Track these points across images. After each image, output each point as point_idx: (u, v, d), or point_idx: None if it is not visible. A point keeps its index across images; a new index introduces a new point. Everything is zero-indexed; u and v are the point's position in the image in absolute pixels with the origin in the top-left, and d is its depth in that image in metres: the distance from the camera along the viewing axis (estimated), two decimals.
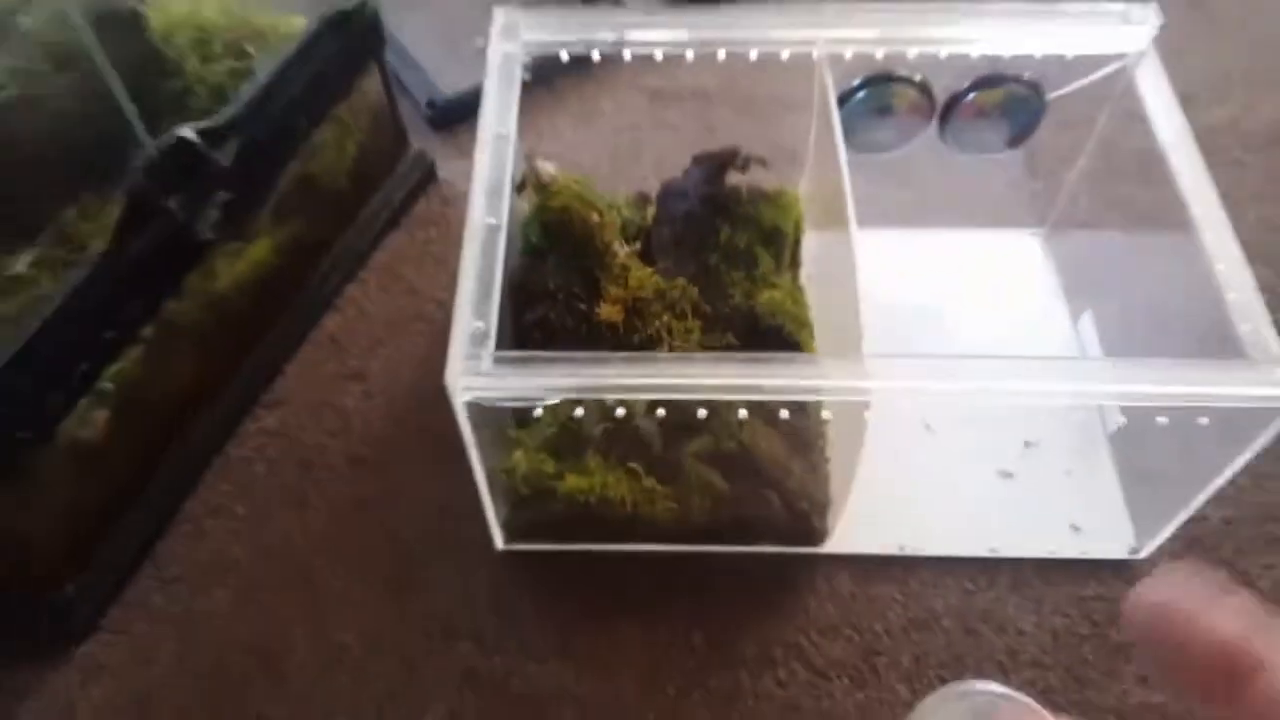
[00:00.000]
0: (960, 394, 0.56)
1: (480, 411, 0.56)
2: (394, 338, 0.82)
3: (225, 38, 0.79)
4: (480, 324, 0.55)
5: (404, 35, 0.99)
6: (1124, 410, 0.65)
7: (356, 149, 0.81)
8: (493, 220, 0.59)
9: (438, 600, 0.69)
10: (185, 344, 0.71)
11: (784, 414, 0.57)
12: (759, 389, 0.54)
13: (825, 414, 0.62)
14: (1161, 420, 0.56)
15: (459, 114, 0.94)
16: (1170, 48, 0.69)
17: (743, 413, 0.58)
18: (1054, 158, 0.87)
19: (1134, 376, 0.54)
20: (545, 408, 0.66)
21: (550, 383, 0.54)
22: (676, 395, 0.55)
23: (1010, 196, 0.90)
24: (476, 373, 0.53)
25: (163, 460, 0.72)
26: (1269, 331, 0.55)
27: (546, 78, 0.98)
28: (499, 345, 0.55)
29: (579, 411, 0.59)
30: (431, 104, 0.95)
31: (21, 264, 0.70)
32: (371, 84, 0.81)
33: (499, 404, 0.54)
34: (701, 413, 0.57)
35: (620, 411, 0.58)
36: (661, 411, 0.58)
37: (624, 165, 0.92)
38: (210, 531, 0.73)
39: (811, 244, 0.80)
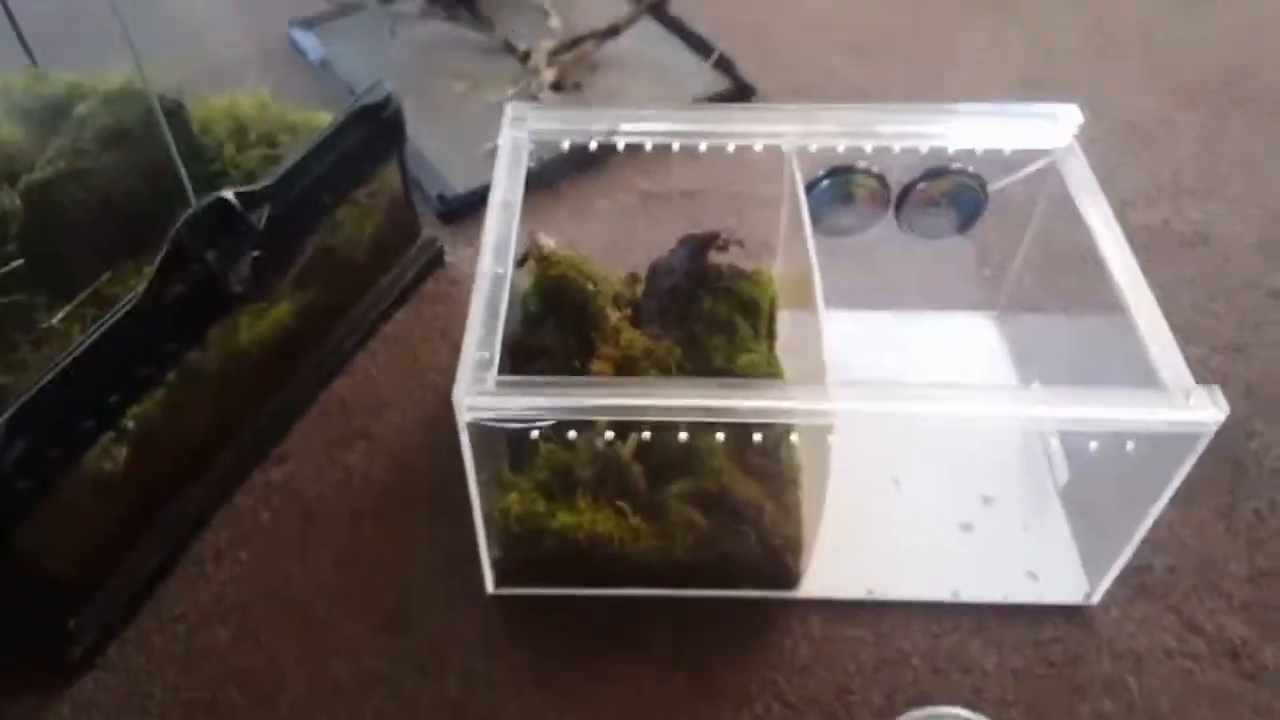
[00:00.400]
0: (916, 416, 0.62)
1: (481, 435, 0.62)
2: (398, 402, 0.88)
3: (259, 129, 0.89)
4: (485, 354, 0.62)
5: (420, 139, 1.09)
6: (1061, 436, 0.70)
7: (374, 229, 0.89)
8: (500, 270, 0.67)
9: (430, 640, 0.73)
10: (203, 393, 0.76)
11: (757, 437, 0.63)
12: (733, 411, 0.60)
13: (794, 437, 0.68)
14: (1094, 445, 0.62)
15: (467, 208, 1.04)
16: (1107, 161, 0.79)
17: (719, 436, 0.64)
18: (1001, 248, 0.96)
19: (1068, 401, 0.60)
20: (540, 448, 0.73)
21: (546, 403, 0.60)
22: (659, 417, 0.61)
23: (966, 283, 0.98)
24: (480, 393, 0.60)
25: (172, 504, 0.77)
26: (1185, 372, 0.62)
27: (549, 180, 1.08)
28: None
29: (571, 434, 0.65)
30: (442, 198, 1.04)
31: (55, 319, 0.77)
32: (390, 173, 0.90)
33: (500, 424, 0.60)
34: (683, 435, 0.62)
35: (609, 435, 0.64)
36: (647, 434, 0.64)
37: (617, 254, 0.99)
38: (213, 575, 0.76)
39: (784, 323, 0.88)
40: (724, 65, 1.23)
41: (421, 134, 1.10)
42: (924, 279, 0.97)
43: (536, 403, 0.61)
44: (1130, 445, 0.61)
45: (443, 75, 1.23)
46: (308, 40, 1.27)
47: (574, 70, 1.22)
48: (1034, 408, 0.62)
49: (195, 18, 1.30)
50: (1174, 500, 0.79)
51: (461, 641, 0.73)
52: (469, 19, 1.28)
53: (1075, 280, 0.87)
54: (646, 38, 1.27)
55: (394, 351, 0.92)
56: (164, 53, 1.21)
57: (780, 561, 0.73)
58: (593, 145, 0.80)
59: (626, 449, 0.73)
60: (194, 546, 0.78)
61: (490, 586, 0.75)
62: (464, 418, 0.60)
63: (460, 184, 1.05)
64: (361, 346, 0.91)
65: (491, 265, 0.67)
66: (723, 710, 0.70)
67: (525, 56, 1.21)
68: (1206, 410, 0.59)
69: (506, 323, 0.72)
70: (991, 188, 0.83)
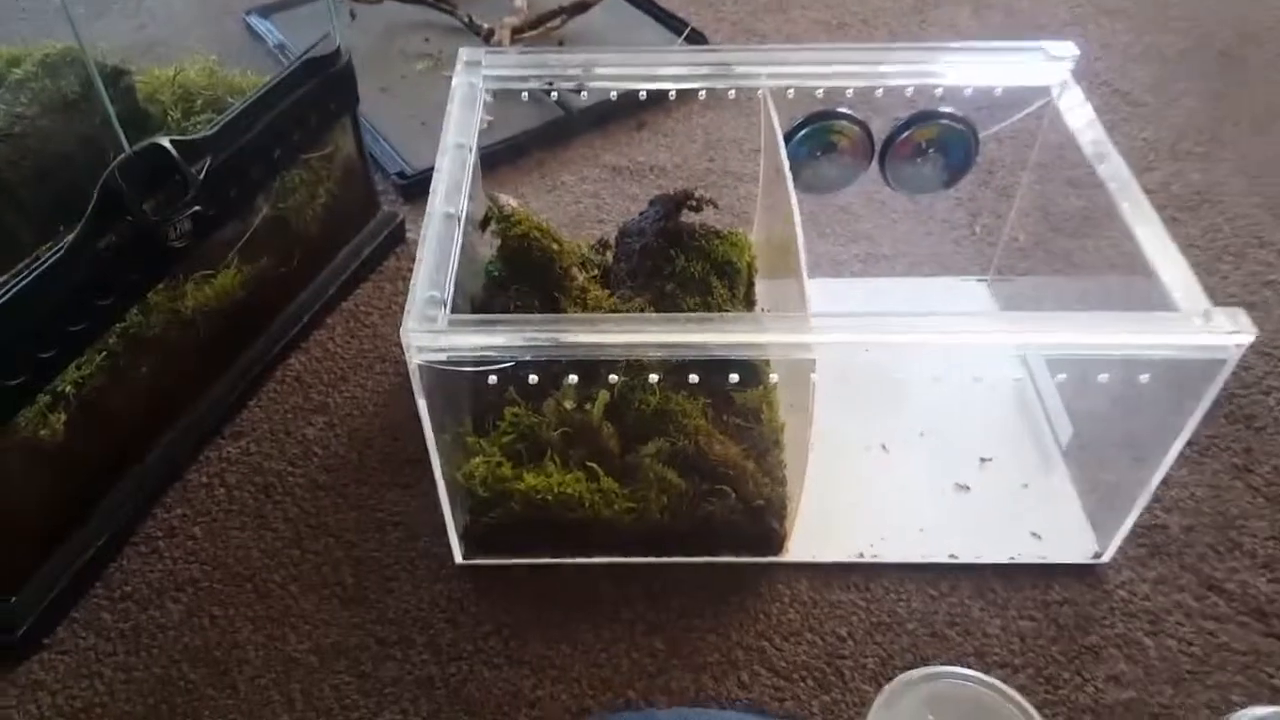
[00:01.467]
0: (906, 347, 0.57)
1: (438, 384, 0.57)
2: (357, 376, 0.83)
3: (206, 95, 0.84)
4: (435, 293, 0.57)
5: (380, 119, 1.06)
6: (1061, 389, 0.65)
7: (328, 198, 0.85)
8: (450, 210, 0.62)
9: (394, 612, 0.68)
10: (149, 361, 0.72)
11: (734, 377, 0.58)
12: (707, 346, 0.56)
13: (773, 376, 0.63)
14: (1103, 378, 0.57)
15: (428, 185, 0.98)
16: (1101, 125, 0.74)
17: (694, 381, 0.59)
18: (992, 204, 0.93)
19: (1075, 327, 0.56)
20: (505, 413, 0.68)
21: (503, 341, 0.55)
22: (628, 354, 0.56)
23: (955, 245, 0.94)
24: (432, 331, 0.55)
25: (119, 479, 0.72)
26: (1201, 295, 0.58)
27: (511, 159, 1.03)
28: None
29: (533, 378, 0.60)
30: (402, 174, 1.00)
31: None
32: (344, 138, 0.86)
33: (454, 367, 0.55)
34: (653, 377, 0.58)
35: (573, 379, 0.59)
36: (614, 378, 0.59)
37: (585, 228, 0.96)
38: (165, 551, 0.71)
39: (762, 290, 0.83)
40: (696, 41, 1.19)
41: (381, 113, 1.07)
42: (910, 242, 0.93)
43: (493, 341, 0.56)
44: (1144, 378, 0.56)
45: (404, 55, 1.19)
46: (265, 26, 1.23)
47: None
48: (1039, 335, 0.57)
49: (151, 7, 1.27)
50: (1186, 458, 0.76)
51: (428, 613, 0.68)
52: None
53: (1075, 239, 0.83)
54: (616, 13, 1.24)
55: (353, 327, 0.87)
56: (116, 38, 1.19)
57: (764, 524, 0.68)
58: (553, 95, 0.76)
59: (596, 409, 0.68)
60: (146, 523, 0.73)
61: (458, 557, 0.70)
62: (415, 359, 0.55)
63: (421, 161, 1.01)
64: (319, 321, 0.86)
65: (442, 205, 0.62)
66: (704, 679, 0.64)
67: (489, 35, 1.17)
68: (1229, 332, 0.54)
69: (469, 290, 0.68)
70: (983, 134, 0.79)
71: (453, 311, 0.57)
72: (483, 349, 0.56)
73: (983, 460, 0.76)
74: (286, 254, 0.83)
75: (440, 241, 0.60)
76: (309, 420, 0.80)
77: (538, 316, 0.56)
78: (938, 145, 0.79)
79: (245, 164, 0.74)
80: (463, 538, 0.69)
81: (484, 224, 0.79)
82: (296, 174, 0.82)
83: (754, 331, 0.57)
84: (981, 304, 0.89)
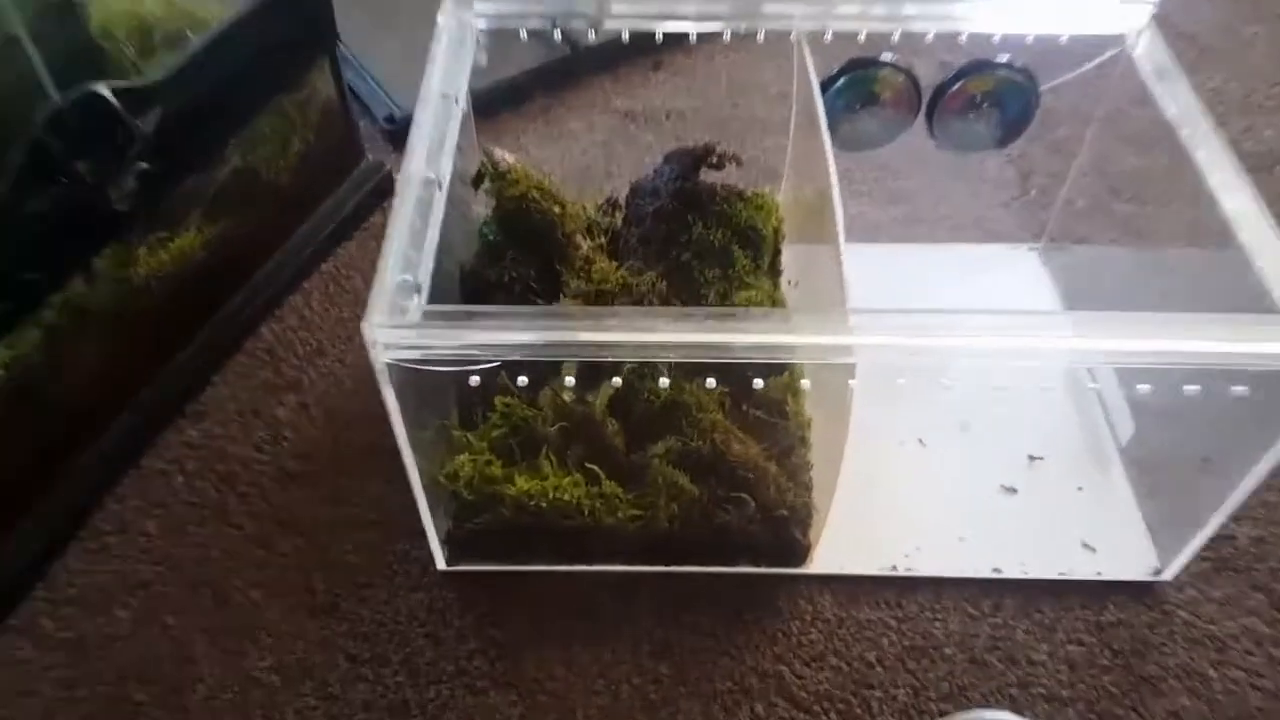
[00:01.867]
0: (958, 352, 0.48)
1: (411, 382, 0.49)
2: (335, 349, 0.75)
3: (166, 29, 0.75)
4: (407, 277, 0.48)
5: (368, 58, 0.96)
6: (1121, 377, 0.57)
7: (304, 147, 0.76)
8: (431, 175, 0.53)
9: (368, 625, 0.61)
10: (94, 335, 0.64)
11: (758, 383, 0.50)
12: (729, 348, 0.47)
13: (804, 383, 0.55)
14: (1191, 390, 0.49)
15: None
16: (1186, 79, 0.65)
17: (711, 383, 0.51)
18: (1049, 164, 0.83)
19: (1160, 332, 0.47)
20: (495, 402, 0.60)
21: (487, 338, 0.47)
22: (634, 357, 0.48)
23: (1004, 210, 0.85)
24: (401, 325, 0.46)
25: (63, 468, 0.64)
26: None
27: (514, 102, 0.94)
28: None
29: (522, 380, 0.52)
30: (390, 119, 0.91)
31: None
32: (322, 80, 0.76)
33: (429, 367, 0.47)
34: (664, 382, 0.49)
35: (570, 381, 0.51)
36: (618, 381, 0.51)
37: (594, 183, 0.87)
38: (114, 549, 0.64)
39: (790, 258, 0.74)
40: None
41: (369, 49, 0.96)
42: (954, 203, 0.84)
43: (475, 338, 0.47)
44: (1240, 389, 0.48)
45: None
46: None
47: None
48: (1119, 341, 0.48)
49: None
50: None
51: (405, 627, 0.61)
52: None
53: (1140, 204, 0.74)
54: None
55: (332, 292, 0.79)
56: None
57: (786, 534, 0.60)
58: (556, 35, 0.66)
59: (599, 401, 0.60)
60: (94, 517, 0.66)
61: (440, 563, 0.62)
62: (380, 358, 0.47)
63: (410, 103, 0.91)
64: (294, 285, 0.78)
65: (421, 168, 0.53)
66: (714, 710, 0.57)
67: None
68: None
69: (459, 257, 0.60)
70: (1044, 86, 0.69)
71: (435, 290, 0.48)
72: (463, 348, 0.48)
73: (1031, 459, 0.68)
74: (256, 211, 0.74)
75: (417, 212, 0.51)
76: (280, 399, 0.72)
77: (528, 310, 0.48)
78: (993, 99, 0.70)
79: (204, 113, 0.65)
80: (445, 543, 0.61)
81: (476, 181, 0.70)
82: (267, 121, 0.73)
83: (784, 331, 0.48)
84: (1033, 276, 0.80)
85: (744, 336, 0.47)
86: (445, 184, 0.54)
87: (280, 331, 0.76)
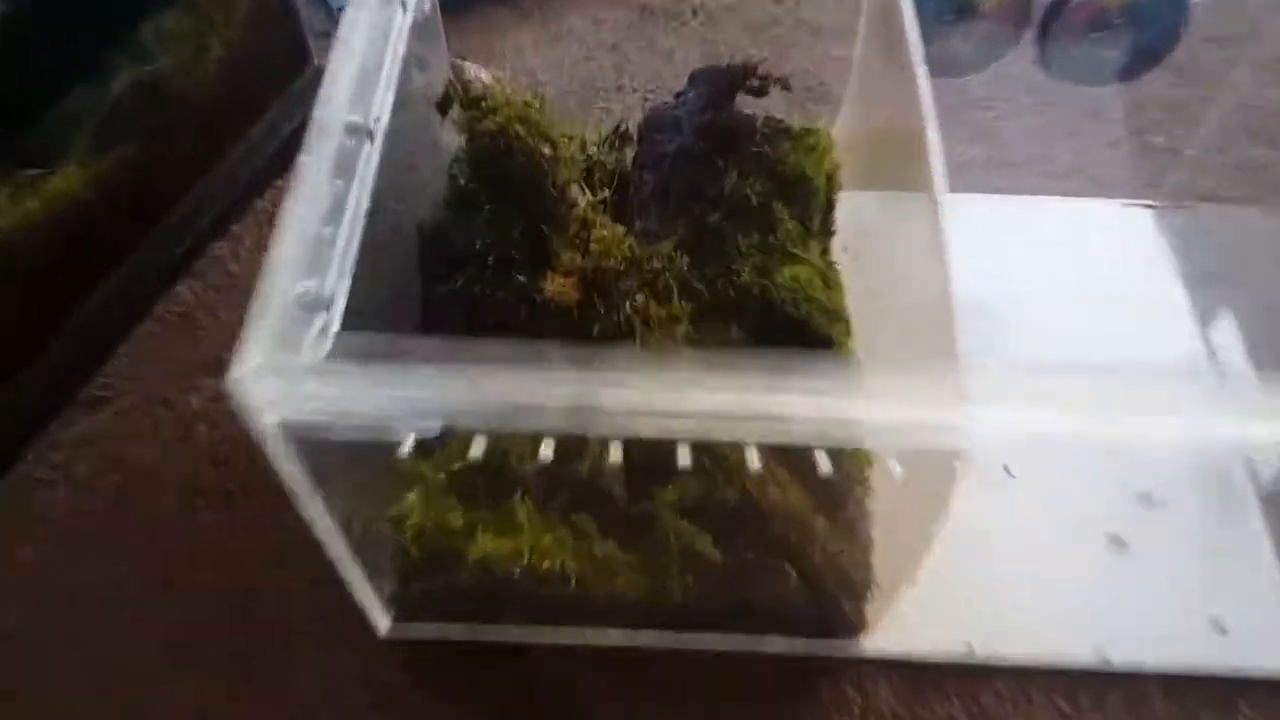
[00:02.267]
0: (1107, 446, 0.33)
1: (308, 441, 0.34)
2: None
3: None
4: (312, 284, 0.33)
5: None
6: None
7: (225, 51, 0.59)
8: (356, 118, 0.37)
9: (294, 696, 0.48)
10: None
11: (823, 464, 0.35)
12: (783, 419, 0.32)
13: (895, 467, 0.39)
14: None
15: None
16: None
17: (753, 458, 0.35)
18: (1168, 104, 0.66)
19: None
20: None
21: (429, 394, 0.32)
22: (642, 429, 0.33)
23: (1109, 155, 0.68)
24: (292, 370, 0.31)
25: None
26: None
27: None
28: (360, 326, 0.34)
29: (476, 450, 0.37)
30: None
31: None
32: None
33: (332, 436, 0.32)
34: (684, 458, 0.34)
35: (546, 454, 0.36)
36: (616, 457, 0.36)
37: (601, 94, 0.70)
38: None
39: (848, 208, 0.58)
40: None
41: None
42: (1049, 144, 0.67)
43: (406, 394, 0.32)
44: None
45: None
46: None
47: None
48: None
49: None
50: None
51: (341, 703, 0.48)
52: None
53: None
54: None
55: (268, 235, 0.63)
56: None
57: (835, 610, 0.46)
58: None
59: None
60: None
61: (382, 627, 0.49)
62: (264, 419, 0.32)
63: None
64: (221, 230, 0.63)
65: (342, 110, 0.37)
66: None
67: None
68: None
69: (419, 213, 0.44)
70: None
71: (372, 278, 0.34)
72: (389, 402, 0.32)
73: (1144, 499, 0.53)
74: (164, 136, 0.58)
75: (331, 180, 0.36)
76: (195, 383, 0.57)
77: (489, 347, 0.32)
78: (1131, 15, 0.53)
79: (74, 11, 0.48)
80: (390, 603, 0.47)
81: (443, 106, 0.54)
82: (174, 18, 0.56)
83: (861, 398, 0.33)
84: (1150, 241, 0.64)
85: (804, 400, 0.32)
86: (379, 137, 0.38)
87: (201, 291, 0.61)
